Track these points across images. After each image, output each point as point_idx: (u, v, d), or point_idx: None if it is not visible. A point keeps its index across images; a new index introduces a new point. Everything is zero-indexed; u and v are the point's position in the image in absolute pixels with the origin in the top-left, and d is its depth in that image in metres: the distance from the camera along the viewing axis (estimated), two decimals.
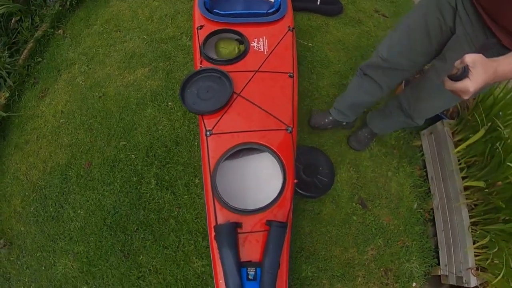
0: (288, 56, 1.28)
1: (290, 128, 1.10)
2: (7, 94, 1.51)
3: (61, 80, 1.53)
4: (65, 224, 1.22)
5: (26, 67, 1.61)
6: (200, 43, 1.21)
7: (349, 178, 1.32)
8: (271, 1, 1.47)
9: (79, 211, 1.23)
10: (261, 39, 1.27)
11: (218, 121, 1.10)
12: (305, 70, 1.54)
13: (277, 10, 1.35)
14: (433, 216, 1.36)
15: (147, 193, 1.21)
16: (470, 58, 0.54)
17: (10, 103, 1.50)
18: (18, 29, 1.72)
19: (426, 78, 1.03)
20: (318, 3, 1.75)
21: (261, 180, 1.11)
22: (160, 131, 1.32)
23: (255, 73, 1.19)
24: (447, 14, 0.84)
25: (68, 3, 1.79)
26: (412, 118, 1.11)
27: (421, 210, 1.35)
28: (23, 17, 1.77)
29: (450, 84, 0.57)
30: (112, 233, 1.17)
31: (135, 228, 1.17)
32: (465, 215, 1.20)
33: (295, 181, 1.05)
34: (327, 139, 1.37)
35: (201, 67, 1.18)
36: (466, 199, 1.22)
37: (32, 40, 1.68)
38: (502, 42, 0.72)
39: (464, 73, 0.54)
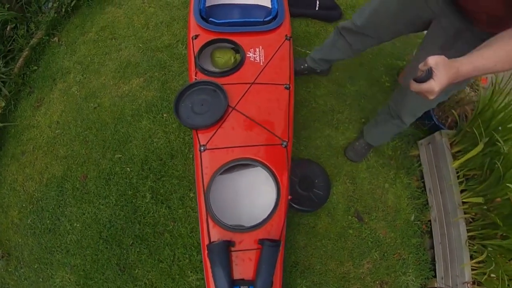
0: (284, 67, 1.25)
1: (285, 143, 1.08)
2: (3, 104, 1.51)
3: (56, 89, 1.52)
4: (61, 237, 1.23)
5: (22, 75, 1.60)
6: (195, 54, 1.19)
7: (345, 191, 1.31)
8: (268, 7, 1.44)
9: (75, 224, 1.23)
10: (257, 49, 1.24)
11: (213, 136, 1.09)
12: (302, 78, 1.52)
13: (274, 18, 1.32)
14: (431, 228, 1.35)
15: (142, 206, 1.21)
16: (433, 60, 0.57)
17: (6, 113, 1.49)
18: (13, 37, 1.71)
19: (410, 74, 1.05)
20: (317, 9, 1.71)
21: (255, 195, 1.11)
22: (155, 144, 1.31)
23: (250, 85, 1.18)
24: (417, 1, 0.87)
25: (63, 10, 1.77)
26: (400, 117, 1.11)
27: (419, 222, 1.34)
28: (18, 25, 1.75)
29: (416, 86, 0.60)
30: (108, 247, 1.17)
31: (131, 242, 1.17)
32: (462, 230, 1.18)
33: (289, 197, 1.05)
34: (323, 151, 1.36)
35: (195, 79, 1.16)
36: (464, 213, 1.20)
37: (27, 48, 1.67)
38: (474, 26, 0.73)
39: (428, 74, 0.57)
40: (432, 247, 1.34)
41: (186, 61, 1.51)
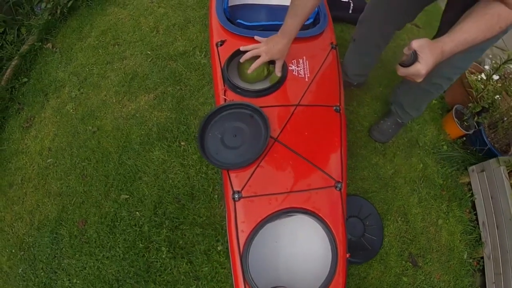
0: (333, 83, 0.81)
1: (340, 185, 0.67)
2: None
3: (49, 106, 1.03)
4: None
5: (10, 89, 1.11)
6: (222, 66, 0.74)
7: (398, 231, 0.92)
8: None
9: (75, 280, 0.81)
10: (300, 60, 0.80)
11: (250, 178, 0.66)
12: (344, 95, 1.08)
13: (313, 23, 0.87)
14: (483, 265, 1.00)
15: (157, 262, 0.78)
16: (416, 43, 0.48)
17: None
18: (1, 44, 1.20)
19: None
20: (350, 12, 1.25)
21: (298, 248, 0.71)
22: (171, 181, 0.86)
23: (295, 108, 0.74)
24: None
25: (58, 12, 1.25)
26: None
27: (471, 259, 0.97)
28: (7, 29, 1.23)
29: (403, 71, 0.51)
30: None
31: None
32: None
33: (348, 255, 0.65)
34: (371, 183, 0.94)
35: (225, 99, 0.72)
36: None
37: (16, 57, 1.17)
38: None
39: (413, 58, 0.49)
40: (483, 286, 0.98)
41: (206, 73, 1.04)
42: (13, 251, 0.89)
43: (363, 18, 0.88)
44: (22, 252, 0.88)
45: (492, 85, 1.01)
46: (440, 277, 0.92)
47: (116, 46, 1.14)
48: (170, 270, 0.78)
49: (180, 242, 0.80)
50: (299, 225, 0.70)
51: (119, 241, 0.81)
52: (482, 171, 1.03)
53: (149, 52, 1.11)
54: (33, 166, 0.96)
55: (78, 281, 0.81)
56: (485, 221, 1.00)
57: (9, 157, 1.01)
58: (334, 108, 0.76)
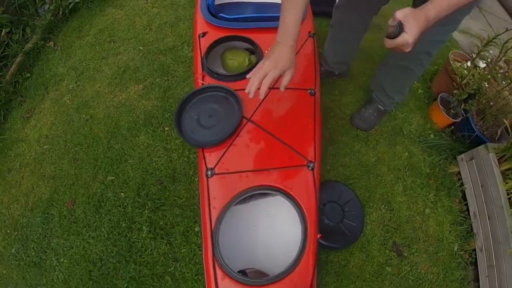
0: (308, 68, 0.86)
1: (312, 164, 0.71)
2: None
3: (48, 98, 1.14)
4: (47, 273, 0.87)
5: (13, 83, 1.23)
6: (202, 54, 0.81)
7: (381, 219, 0.93)
8: None
9: (62, 259, 0.87)
10: None
11: (222, 156, 0.71)
12: (325, 84, 1.12)
13: None
14: (475, 257, 0.98)
15: (138, 242, 0.84)
16: (400, 14, 0.49)
17: None
18: (7, 42, 1.34)
19: None
20: None
21: (274, 230, 0.75)
22: (154, 164, 0.93)
23: (269, 91, 0.79)
24: None
25: (60, 13, 1.38)
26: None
27: (462, 252, 0.96)
28: (13, 29, 1.38)
29: (390, 42, 0.52)
30: None
31: (125, 285, 0.80)
32: None
33: (319, 235, 0.68)
34: (353, 169, 0.97)
35: (202, 84, 0.79)
36: None
37: (20, 54, 1.30)
38: None
39: (399, 29, 0.50)
40: (476, 279, 0.97)
41: (192, 65, 1.12)
42: (8, 231, 0.97)
43: (338, 3, 0.93)
44: (16, 232, 0.96)
45: (478, 72, 1.03)
46: (428, 269, 0.92)
47: (112, 43, 1.24)
48: (150, 251, 0.83)
49: (161, 223, 0.85)
50: (277, 208, 0.74)
51: (104, 221, 0.87)
52: (471, 159, 1.03)
53: (141, 48, 1.21)
54: (31, 153, 1.05)
55: (65, 260, 0.87)
56: (476, 211, 0.99)
57: (10, 145, 1.11)
58: (309, 91, 0.81)
